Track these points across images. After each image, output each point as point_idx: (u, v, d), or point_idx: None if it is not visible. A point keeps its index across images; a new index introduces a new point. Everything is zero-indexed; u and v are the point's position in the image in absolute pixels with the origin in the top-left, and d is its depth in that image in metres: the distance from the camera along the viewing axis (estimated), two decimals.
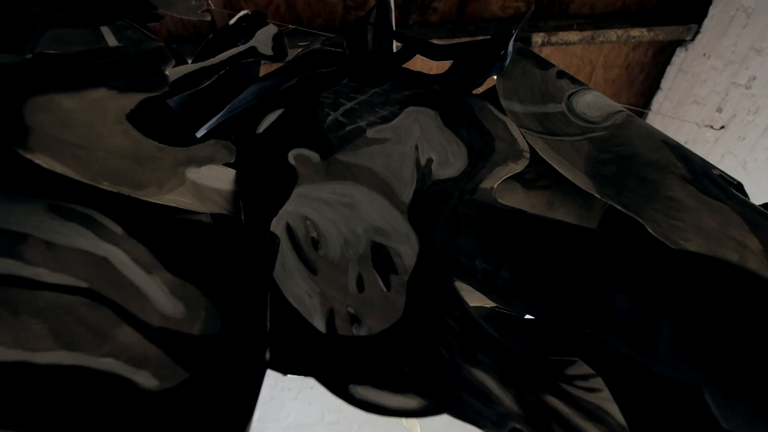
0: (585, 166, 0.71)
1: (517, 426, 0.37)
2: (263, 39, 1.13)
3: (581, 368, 0.42)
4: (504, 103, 0.77)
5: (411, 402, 0.37)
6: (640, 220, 0.59)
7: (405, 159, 0.60)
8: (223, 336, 0.36)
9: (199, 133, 0.71)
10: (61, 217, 0.41)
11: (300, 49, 1.32)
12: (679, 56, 2.14)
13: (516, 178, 0.80)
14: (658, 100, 2.33)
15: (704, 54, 2.03)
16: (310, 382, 3.08)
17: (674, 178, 0.69)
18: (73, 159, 0.38)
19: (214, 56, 1.00)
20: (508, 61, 0.79)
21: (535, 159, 0.72)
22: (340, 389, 0.35)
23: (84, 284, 0.38)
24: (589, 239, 0.46)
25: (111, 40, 0.93)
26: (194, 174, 0.46)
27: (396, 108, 0.72)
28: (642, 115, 2.41)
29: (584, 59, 2.30)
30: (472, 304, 0.55)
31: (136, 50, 0.50)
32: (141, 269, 0.40)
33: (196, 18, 1.24)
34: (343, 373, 0.36)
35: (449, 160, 0.62)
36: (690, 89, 2.15)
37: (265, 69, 1.37)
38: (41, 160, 0.37)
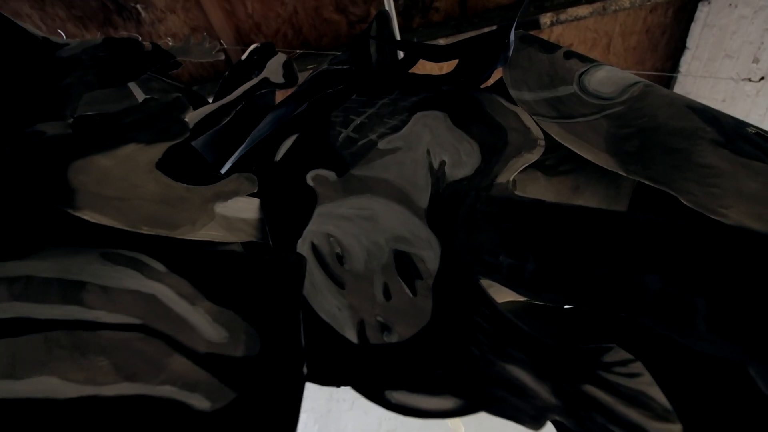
0: (605, 144, 0.69)
1: (557, 418, 0.37)
2: (274, 68, 1.18)
3: (619, 354, 0.41)
4: (513, 93, 0.76)
5: (447, 403, 0.38)
6: (672, 193, 0.57)
7: (418, 165, 0.61)
8: (263, 355, 0.39)
9: (226, 167, 0.75)
10: (112, 263, 0.46)
11: (309, 72, 1.37)
12: (702, 11, 2.02)
13: (536, 166, 0.79)
14: (686, 61, 2.20)
15: (730, 4, 1.90)
16: None
17: (704, 143, 0.66)
18: (114, 210, 0.42)
19: (231, 92, 1.06)
20: (511, 51, 0.79)
21: (553, 145, 0.71)
22: (376, 396, 0.37)
23: (137, 321, 0.42)
24: (610, 221, 0.45)
25: (138, 93, 1.01)
26: (222, 208, 0.50)
27: (404, 116, 0.74)
28: (671, 79, 2.28)
29: (599, 32, 2.22)
30: (501, 301, 0.55)
31: (155, 105, 0.54)
32: (185, 301, 0.44)
33: (211, 59, 1.32)
34: (378, 379, 0.38)
35: (462, 159, 0.63)
36: (719, 44, 2.01)
37: (281, 95, 1.43)
38: (88, 216, 0.42)
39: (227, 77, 1.28)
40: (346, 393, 3.12)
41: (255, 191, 0.55)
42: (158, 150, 0.48)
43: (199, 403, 0.36)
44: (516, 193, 0.56)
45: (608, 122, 0.72)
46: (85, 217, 0.42)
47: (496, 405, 0.38)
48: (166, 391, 0.37)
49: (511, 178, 0.59)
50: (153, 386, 0.37)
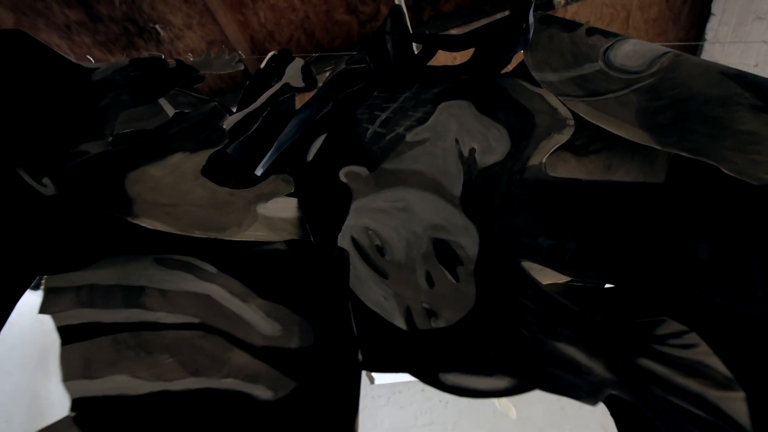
0: (637, 119, 0.68)
1: (614, 392, 0.37)
2: (293, 73, 1.21)
3: (672, 326, 0.40)
4: (536, 75, 0.76)
5: (500, 382, 0.38)
6: (712, 163, 0.55)
7: (448, 154, 0.62)
8: (318, 346, 0.40)
9: (258, 171, 0.78)
10: (166, 267, 0.49)
11: (327, 74, 1.38)
12: None
13: (566, 147, 0.78)
14: (713, 28, 2.11)
15: None
16: (398, 387, 3.13)
17: (742, 109, 0.63)
18: (167, 217, 0.45)
19: (254, 100, 1.09)
20: (531, 33, 0.78)
21: (582, 124, 0.70)
22: (431, 378, 0.38)
23: (196, 320, 0.44)
24: (654, 194, 0.44)
25: (168, 108, 1.05)
26: (264, 209, 0.52)
27: (429, 107, 0.74)
28: (697, 48, 2.19)
29: (616, 6, 2.15)
30: (544, 283, 0.55)
31: (196, 114, 0.57)
32: (238, 299, 0.46)
33: (232, 70, 1.36)
34: (431, 363, 0.39)
35: (492, 145, 0.63)
36: (748, 6, 1.92)
37: (300, 99, 1.46)
38: (146, 223, 0.44)
39: (248, 86, 1.31)
40: (382, 389, 3.15)
41: (292, 191, 0.57)
42: (202, 157, 0.51)
43: (262, 393, 0.38)
44: (550, 174, 0.56)
45: (638, 96, 0.70)
46: (142, 224, 0.44)
47: (550, 383, 0.38)
48: (230, 383, 0.39)
49: (544, 160, 0.59)
50: (217, 380, 0.39)
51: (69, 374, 0.40)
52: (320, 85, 1.18)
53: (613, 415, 0.44)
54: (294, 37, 2.18)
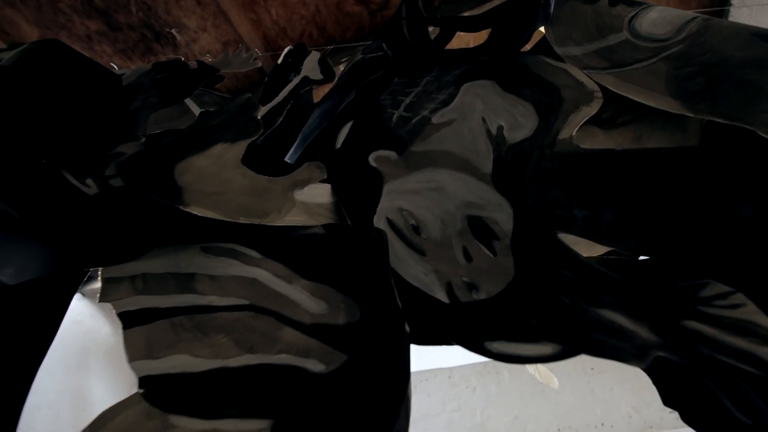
0: (667, 87, 0.66)
1: (661, 354, 0.37)
2: (311, 67, 1.22)
3: (716, 288, 0.40)
4: (559, 50, 0.75)
5: (546, 348, 0.39)
6: (748, 127, 0.54)
7: (475, 133, 0.62)
8: (365, 320, 0.42)
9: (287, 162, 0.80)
10: (213, 255, 0.51)
11: (343, 65, 1.39)
12: None
13: (593, 121, 0.77)
14: None
15: None
16: (425, 374, 3.15)
17: None
18: (214, 204, 0.47)
19: (274, 96, 1.11)
20: (552, 7, 0.77)
21: (609, 97, 0.69)
22: (477, 347, 0.39)
23: (246, 301, 0.46)
24: (693, 157, 0.44)
25: (194, 108, 1.08)
26: (300, 195, 0.54)
27: (452, 89, 0.74)
28: (723, 13, 2.10)
29: None
30: None
31: (232, 106, 0.59)
32: (283, 281, 0.48)
33: (250, 67, 1.38)
34: (476, 333, 0.40)
35: (519, 122, 0.63)
36: None
37: (318, 92, 1.48)
38: (196, 210, 0.46)
39: (267, 82, 1.34)
40: None
41: (325, 177, 0.58)
42: (241, 147, 0.53)
43: (315, 366, 0.40)
44: (581, 146, 0.55)
45: (667, 64, 0.69)
46: (193, 212, 0.46)
47: (595, 347, 0.39)
48: (284, 359, 0.41)
49: (573, 133, 0.58)
50: (271, 355, 0.41)
51: (133, 355, 0.43)
52: (338, 76, 1.19)
53: (656, 382, 0.44)
54: (306, 32, 2.19)
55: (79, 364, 2.89)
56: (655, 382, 0.44)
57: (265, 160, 0.55)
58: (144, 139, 0.89)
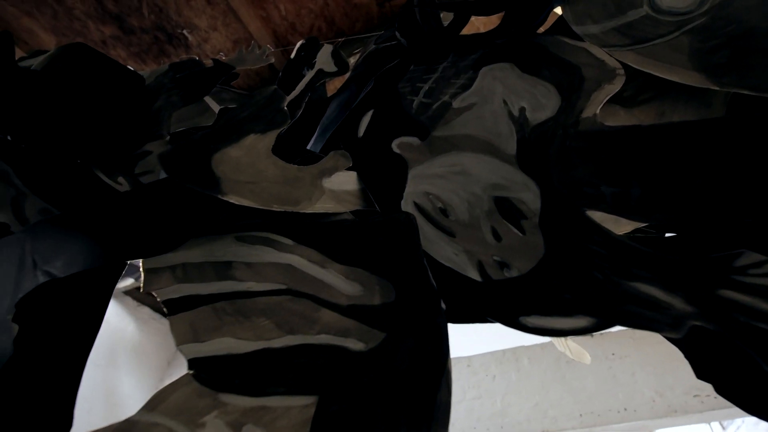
0: (691, 61, 0.65)
1: (697, 323, 0.38)
2: (324, 59, 1.23)
3: (751, 257, 0.40)
4: (577, 29, 0.74)
5: (581, 322, 0.40)
6: None
7: (497, 116, 0.62)
8: (400, 300, 0.43)
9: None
10: (248, 243, 0.53)
11: (354, 58, 1.40)
12: None
13: (614, 100, 0.76)
14: None
15: None
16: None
17: None
18: (250, 193, 0.49)
19: (290, 90, 1.12)
20: None
21: (629, 75, 0.68)
22: (513, 322, 0.40)
23: (283, 286, 0.48)
24: (723, 127, 0.44)
25: (213, 106, 1.10)
26: (329, 183, 0.55)
27: (470, 74, 0.74)
28: None
29: None
30: None
31: (260, 98, 0.60)
32: (317, 266, 0.49)
33: (264, 63, 1.39)
34: (510, 308, 0.41)
35: (541, 102, 0.63)
36: None
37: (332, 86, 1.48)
38: (233, 199, 0.48)
39: (282, 77, 1.35)
40: None
41: (350, 165, 0.60)
42: (271, 137, 0.54)
43: (354, 345, 0.41)
44: (606, 123, 0.55)
45: (690, 38, 0.68)
46: (231, 201, 0.48)
47: (630, 319, 0.39)
48: (324, 338, 0.43)
49: (597, 111, 0.58)
50: (312, 336, 0.43)
51: (180, 339, 0.45)
52: (351, 68, 1.19)
53: (689, 354, 0.44)
54: (315, 26, 2.19)
55: (108, 361, 2.99)
56: (688, 356, 0.44)
57: (292, 150, 0.57)
58: (169, 137, 0.92)
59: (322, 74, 1.13)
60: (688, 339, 0.40)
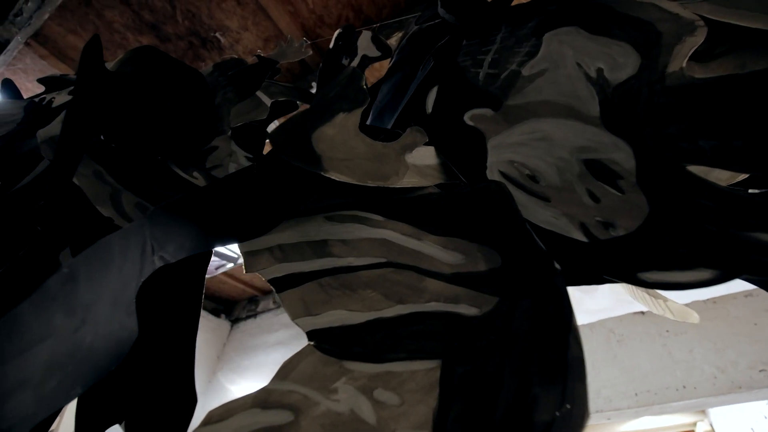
0: None
1: None
2: (366, 45, 1.23)
3: None
4: None
5: (702, 274, 0.39)
6: None
7: (573, 79, 0.61)
8: (507, 264, 0.43)
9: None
10: (338, 222, 0.54)
11: (395, 41, 1.39)
12: None
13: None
14: None
15: None
16: None
17: None
18: (347, 170, 0.50)
19: (331, 80, 1.14)
20: None
21: None
22: (632, 278, 0.39)
23: (383, 259, 0.49)
24: None
25: (265, 99, 1.12)
26: (411, 158, 0.55)
27: (533, 41, 0.73)
28: None
29: None
30: None
31: (342, 78, 0.62)
32: (412, 238, 0.50)
33: (304, 56, 1.42)
34: (627, 266, 0.40)
35: (618, 61, 0.61)
36: None
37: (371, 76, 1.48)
38: (334, 176, 0.50)
39: (323, 68, 1.37)
40: None
41: (427, 140, 0.60)
42: (356, 115, 0.55)
43: (467, 310, 0.42)
44: (697, 76, 0.53)
45: None
46: (332, 177, 0.50)
47: (757, 269, 0.38)
48: (434, 306, 0.44)
49: (684, 64, 0.56)
50: (422, 304, 0.44)
51: (294, 314, 0.47)
52: (396, 50, 1.19)
53: None
54: (343, 16, 2.20)
55: None
56: None
57: (372, 128, 0.58)
58: (230, 132, 0.95)
59: (367, 60, 1.13)
60: None
